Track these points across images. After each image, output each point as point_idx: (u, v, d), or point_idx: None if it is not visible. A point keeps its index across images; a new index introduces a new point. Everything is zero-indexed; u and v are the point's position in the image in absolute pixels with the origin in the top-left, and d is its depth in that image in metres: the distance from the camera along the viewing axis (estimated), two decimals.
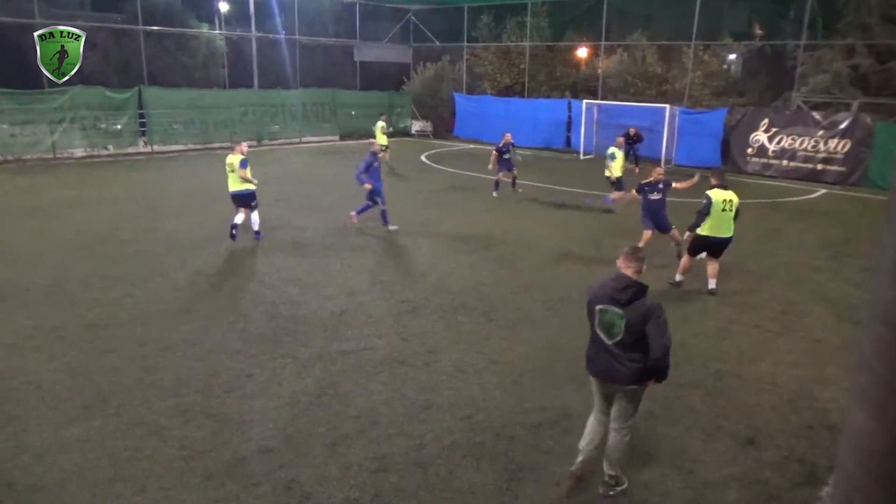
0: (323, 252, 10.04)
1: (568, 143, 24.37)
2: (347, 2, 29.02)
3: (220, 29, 27.67)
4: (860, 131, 17.92)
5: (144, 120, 20.87)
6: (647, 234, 9.75)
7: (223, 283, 8.47)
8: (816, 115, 18.85)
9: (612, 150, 13.94)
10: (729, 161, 20.00)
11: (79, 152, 19.67)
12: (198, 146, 22.23)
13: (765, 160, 19.72)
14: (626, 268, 4.28)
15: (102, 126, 20.20)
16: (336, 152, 22.88)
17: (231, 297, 7.99)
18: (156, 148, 21.21)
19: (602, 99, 23.68)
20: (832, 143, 18.37)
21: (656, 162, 20.26)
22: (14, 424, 5.03)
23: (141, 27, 21.95)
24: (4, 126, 18.29)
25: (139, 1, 21.53)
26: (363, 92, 28.60)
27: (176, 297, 7.94)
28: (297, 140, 25.21)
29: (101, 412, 5.25)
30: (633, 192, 9.87)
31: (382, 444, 4.91)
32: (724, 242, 8.43)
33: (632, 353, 4.15)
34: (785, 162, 19.32)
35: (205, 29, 27.87)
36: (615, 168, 13.85)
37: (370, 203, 11.45)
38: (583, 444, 4.50)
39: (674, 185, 9.86)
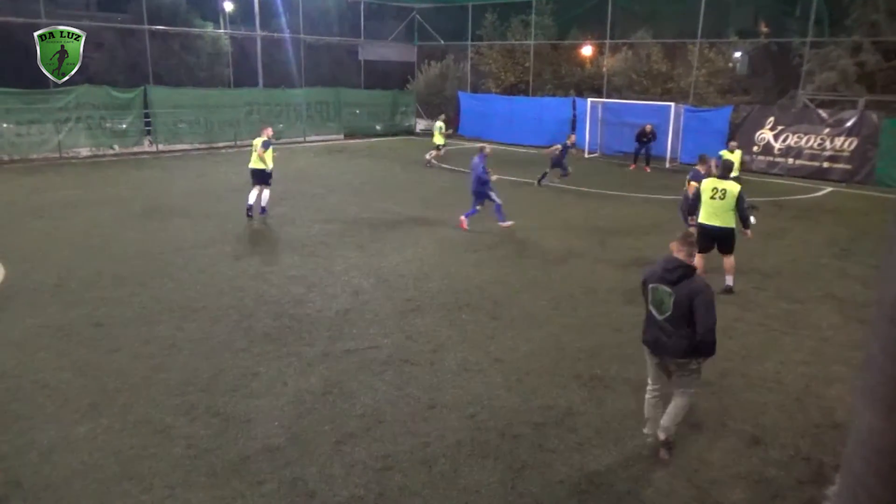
0: (328, 251, 10.05)
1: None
2: (352, 1, 29.04)
3: (225, 28, 27.73)
4: (867, 129, 17.84)
5: (150, 119, 20.94)
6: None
7: (228, 282, 8.49)
8: (822, 113, 18.78)
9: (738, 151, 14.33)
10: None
11: (84, 152, 19.74)
12: (203, 145, 22.29)
13: (770, 158, 19.65)
14: (677, 251, 4.62)
15: (108, 125, 20.27)
16: (341, 151, 22.91)
17: (236, 295, 8.00)
18: (161, 147, 21.27)
19: (607, 97, 23.64)
20: (838, 141, 18.28)
21: (661, 160, 20.26)
22: (21, 423, 5.06)
23: (146, 27, 22.01)
24: (11, 125, 18.37)
25: (144, 1, 21.60)
26: (367, 91, 28.63)
27: (181, 295, 7.96)
28: (302, 139, 25.24)
29: (108, 410, 5.27)
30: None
31: (387, 442, 4.91)
32: (718, 232, 8.18)
33: (680, 329, 4.49)
34: (791, 160, 19.24)
35: (209, 28, 27.96)
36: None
37: (478, 207, 11.58)
38: (646, 429, 4.92)
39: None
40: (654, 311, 4.66)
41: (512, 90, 27.40)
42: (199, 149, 22.01)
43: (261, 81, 25.71)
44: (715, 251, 8.48)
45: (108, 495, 4.25)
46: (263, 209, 11.94)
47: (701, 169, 9.84)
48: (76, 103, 19.11)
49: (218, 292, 8.11)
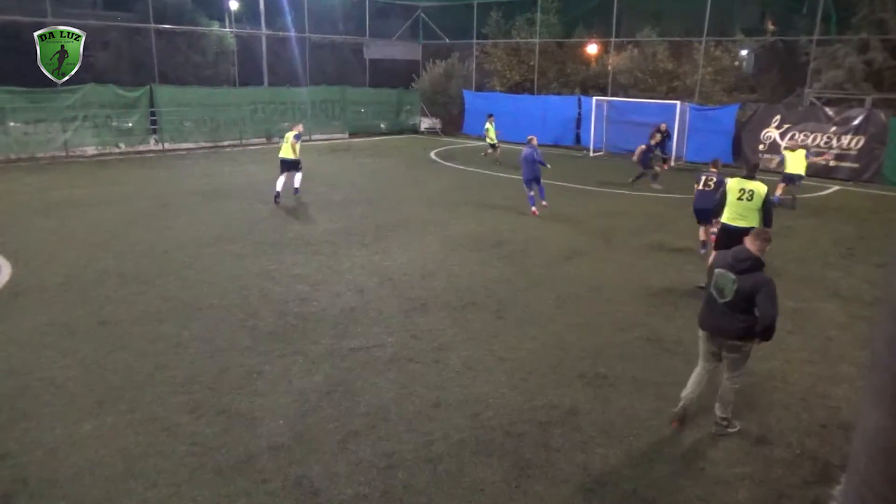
0: (332, 249, 10.06)
1: (577, 140, 24.28)
2: None
3: (231, 27, 27.79)
4: (874, 127, 17.74)
5: (155, 118, 20.98)
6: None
7: (233, 281, 8.51)
8: (829, 111, 18.68)
9: (802, 151, 14.52)
10: (740, 157, 19.85)
11: (90, 150, 19.81)
12: (208, 144, 22.35)
13: (776, 156, 19.54)
14: (751, 244, 4.94)
15: (114, 124, 20.32)
16: (345, 150, 22.93)
17: (241, 294, 8.02)
18: (167, 146, 21.32)
19: (612, 96, 23.58)
20: (845, 140, 18.19)
21: (666, 159, 20.20)
22: (28, 420, 5.09)
23: (152, 25, 22.06)
24: (18, 124, 18.45)
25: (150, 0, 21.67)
26: (372, 89, 28.64)
27: (187, 294, 7.98)
28: (307, 137, 25.24)
29: (114, 408, 5.29)
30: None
31: (392, 440, 4.92)
32: (743, 232, 8.14)
33: (737, 314, 4.78)
34: None
35: (215, 27, 28.01)
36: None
37: (532, 192, 12.94)
38: (685, 392, 5.15)
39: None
40: (715, 294, 4.92)
41: (517, 88, 27.35)
42: (204, 147, 22.06)
43: (266, 80, 25.75)
44: None
45: (113, 493, 4.26)
46: (297, 189, 13.71)
47: (711, 168, 10.10)
48: (82, 102, 19.17)
49: (223, 291, 8.13)
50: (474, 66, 28.84)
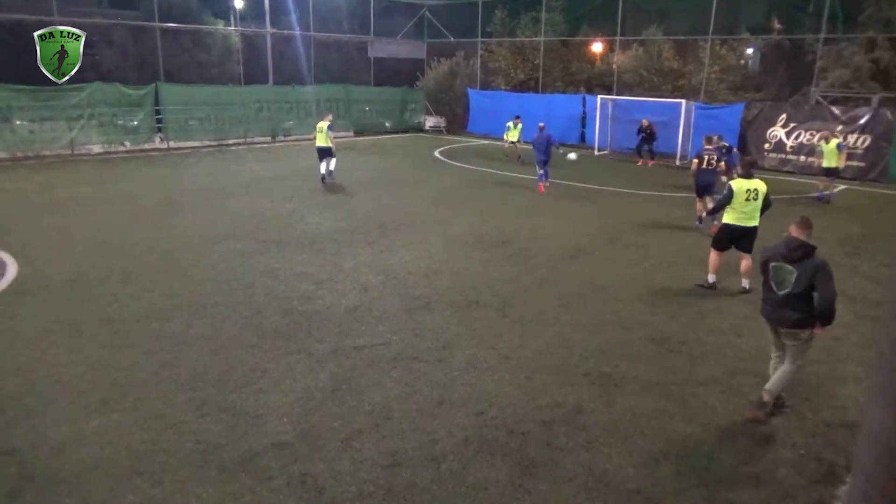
0: (336, 248, 10.08)
1: (582, 138, 24.24)
2: None
3: (236, 25, 27.83)
4: (880, 126, 17.67)
5: (161, 116, 21.05)
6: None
7: (238, 279, 8.53)
8: (836, 110, 18.61)
9: (835, 141, 14.87)
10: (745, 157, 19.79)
11: (96, 148, 19.87)
12: (213, 142, 22.39)
13: (782, 155, 19.51)
14: (799, 233, 5.10)
15: (120, 122, 20.40)
16: (350, 148, 22.93)
17: (246, 292, 8.04)
18: (172, 144, 21.38)
19: (617, 94, 23.52)
20: (851, 139, 18.11)
21: (671, 157, 20.17)
22: (34, 417, 5.11)
23: (157, 24, 22.12)
24: (24, 122, 18.53)
25: None
26: (377, 88, 28.64)
27: (191, 292, 8.01)
28: (312, 136, 25.23)
29: (119, 406, 5.31)
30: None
31: (396, 439, 4.92)
32: (749, 232, 8.20)
33: (796, 303, 5.00)
34: (803, 157, 19.09)
35: (220, 25, 28.06)
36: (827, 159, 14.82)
37: (544, 171, 15.16)
38: (768, 385, 5.30)
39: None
40: (774, 287, 5.14)
41: (521, 87, 27.32)
42: (209, 146, 22.11)
43: (271, 78, 25.79)
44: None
45: (119, 489, 4.28)
46: (331, 172, 15.41)
47: (707, 146, 11.62)
48: (88, 101, 19.24)
49: (228, 289, 8.15)
50: (479, 64, 28.82)
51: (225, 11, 28.58)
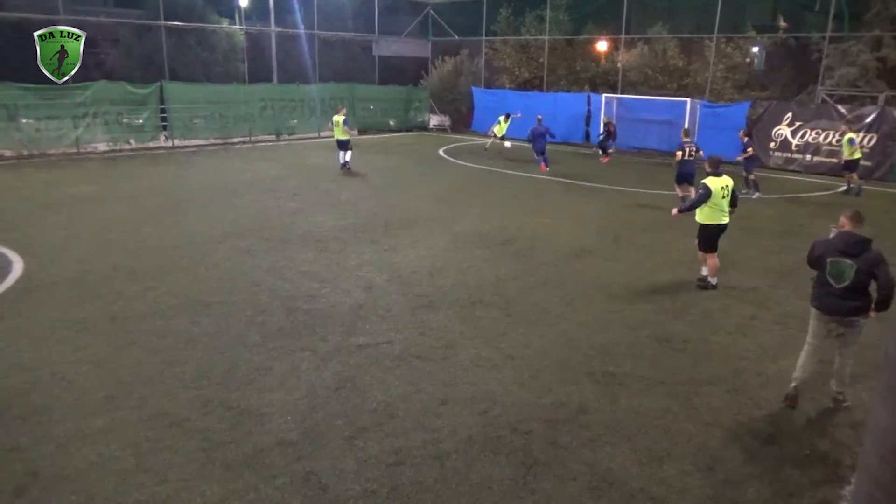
0: (341, 246, 10.08)
1: (587, 137, 24.19)
2: None
3: (240, 24, 27.84)
4: (887, 125, 17.58)
5: (165, 115, 21.10)
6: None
7: (242, 277, 8.55)
8: (842, 109, 18.51)
9: (849, 135, 15.65)
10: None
11: (101, 147, 19.94)
12: (218, 141, 22.45)
13: (788, 154, 19.42)
14: (853, 227, 5.29)
15: (125, 121, 20.46)
16: (354, 147, 22.92)
17: (250, 290, 8.06)
18: (177, 142, 21.43)
19: (622, 93, 23.46)
20: (857, 138, 18.00)
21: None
22: (39, 415, 5.13)
23: (162, 23, 22.16)
24: (30, 121, 18.60)
25: None
26: (381, 87, 28.64)
27: (196, 290, 8.03)
28: (316, 134, 25.33)
29: (124, 403, 5.33)
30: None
31: (399, 437, 4.93)
32: (724, 229, 8.45)
33: (853, 294, 5.22)
34: (808, 156, 19.01)
35: (225, 24, 28.07)
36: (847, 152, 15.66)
37: (542, 156, 17.84)
38: (797, 373, 5.53)
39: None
40: (831, 281, 5.31)
41: (526, 86, 27.27)
42: (214, 144, 22.16)
43: (276, 77, 25.80)
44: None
45: (123, 487, 4.30)
46: (347, 163, 17.33)
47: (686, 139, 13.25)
48: (93, 99, 19.30)
49: (232, 287, 8.17)
50: (483, 63, 28.78)
51: (230, 10, 28.56)
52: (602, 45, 26.56)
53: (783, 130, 19.45)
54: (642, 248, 10.38)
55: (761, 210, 13.59)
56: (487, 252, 9.97)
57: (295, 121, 24.85)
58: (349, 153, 17.31)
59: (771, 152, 19.66)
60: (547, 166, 17.69)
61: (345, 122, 17.10)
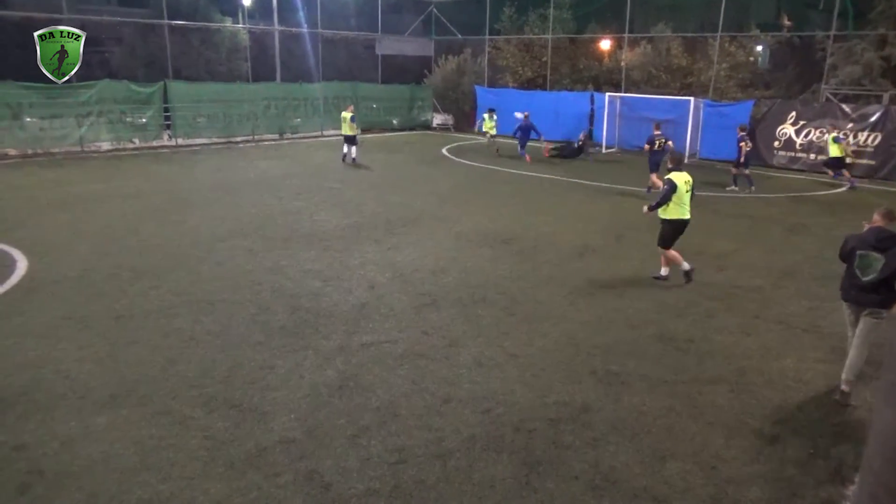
0: (343, 245, 10.09)
1: (590, 135, 24.14)
2: None
3: (244, 23, 27.87)
4: (891, 123, 17.53)
5: (169, 114, 21.13)
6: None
7: (245, 276, 8.56)
8: (846, 108, 18.46)
9: (832, 134, 16.92)
10: (754, 154, 19.66)
11: (105, 146, 19.99)
12: (221, 139, 22.48)
13: (792, 153, 19.38)
14: (886, 223, 5.52)
15: (128, 120, 20.50)
16: (357, 145, 22.95)
17: (253, 289, 8.07)
18: (180, 141, 21.47)
19: (625, 92, 23.43)
20: (862, 136, 17.98)
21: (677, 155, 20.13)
22: (43, 413, 5.15)
23: (166, 22, 22.19)
24: (34, 120, 18.65)
25: None
26: (384, 85, 28.65)
27: (199, 289, 8.04)
28: (319, 133, 25.35)
29: (127, 401, 5.35)
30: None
31: (402, 436, 4.93)
32: (687, 224, 8.55)
33: (881, 286, 5.39)
34: (812, 155, 18.96)
35: (228, 23, 28.10)
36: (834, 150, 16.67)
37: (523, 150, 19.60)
38: (845, 375, 5.64)
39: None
40: (858, 273, 5.50)
41: (529, 85, 27.26)
42: (217, 143, 22.19)
43: (279, 76, 25.82)
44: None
45: (127, 484, 4.31)
46: (354, 159, 18.39)
47: (657, 132, 14.54)
48: (97, 98, 19.34)
49: (235, 286, 8.18)
50: (486, 62, 28.77)
51: (233, 9, 28.60)
52: (605, 44, 26.53)
53: (787, 129, 19.40)
54: (645, 247, 10.35)
55: (764, 209, 13.57)
56: (490, 251, 9.97)
57: (298, 120, 24.88)
58: (355, 148, 18.34)
59: (775, 151, 19.62)
60: (527, 156, 19.36)
61: (352, 118, 18.03)
